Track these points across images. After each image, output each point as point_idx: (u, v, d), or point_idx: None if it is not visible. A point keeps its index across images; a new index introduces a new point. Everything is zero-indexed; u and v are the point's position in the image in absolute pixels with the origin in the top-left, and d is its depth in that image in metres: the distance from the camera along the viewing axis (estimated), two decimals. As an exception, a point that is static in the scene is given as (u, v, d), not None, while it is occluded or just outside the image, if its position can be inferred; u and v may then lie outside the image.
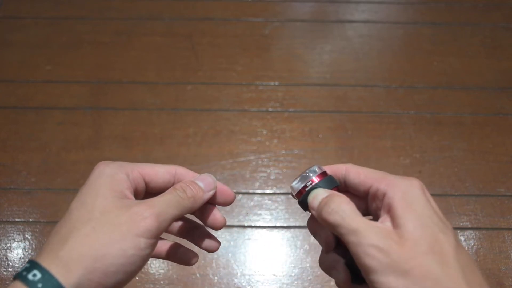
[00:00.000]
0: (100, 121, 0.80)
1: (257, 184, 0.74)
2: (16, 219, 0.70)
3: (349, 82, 0.86)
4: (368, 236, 0.26)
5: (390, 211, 0.28)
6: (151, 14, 0.95)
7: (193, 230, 0.36)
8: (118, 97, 0.83)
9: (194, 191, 0.31)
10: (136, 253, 0.27)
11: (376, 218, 0.31)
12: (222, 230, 0.66)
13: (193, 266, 0.66)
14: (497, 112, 0.83)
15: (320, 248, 0.33)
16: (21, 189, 0.73)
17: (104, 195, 0.29)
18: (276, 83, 0.86)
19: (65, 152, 0.77)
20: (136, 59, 0.88)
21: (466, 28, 0.95)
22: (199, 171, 0.34)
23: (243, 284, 0.66)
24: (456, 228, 0.70)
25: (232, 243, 0.69)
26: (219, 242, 0.35)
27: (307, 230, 0.35)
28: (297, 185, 0.32)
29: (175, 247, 0.35)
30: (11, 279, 0.27)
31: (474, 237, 0.70)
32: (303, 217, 0.71)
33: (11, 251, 0.68)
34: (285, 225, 0.71)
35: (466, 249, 0.68)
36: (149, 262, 0.67)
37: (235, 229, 0.70)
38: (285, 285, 0.66)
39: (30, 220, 0.70)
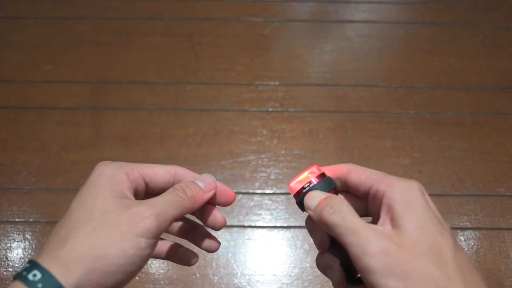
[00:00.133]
0: (100, 121, 0.80)
1: (257, 184, 0.74)
2: (16, 219, 0.70)
3: (349, 82, 0.86)
4: (367, 237, 0.26)
5: (390, 212, 0.28)
6: (151, 14, 0.95)
7: (193, 230, 0.36)
8: (118, 97, 0.83)
9: (194, 191, 0.31)
10: (136, 253, 0.27)
11: (375, 218, 0.31)
12: (222, 230, 0.66)
13: (193, 266, 0.66)
14: (497, 112, 0.83)
15: None
16: (21, 189, 0.73)
17: (104, 195, 0.29)
18: (276, 83, 0.86)
19: (65, 152, 0.77)
20: (136, 59, 0.88)
21: (466, 28, 0.95)
22: (199, 171, 0.34)
23: (243, 284, 0.66)
24: (456, 228, 0.70)
25: (232, 243, 0.69)
26: (219, 242, 0.35)
27: (307, 230, 0.35)
28: (295, 185, 0.32)
29: (175, 247, 0.35)
30: (11, 279, 0.27)
31: (474, 237, 0.70)
32: (303, 217, 0.71)
33: (11, 251, 0.68)
34: (285, 225, 0.71)
35: (466, 249, 0.68)
36: (149, 262, 0.67)
37: (235, 229, 0.70)
38: (285, 285, 0.66)
39: (30, 220, 0.70)
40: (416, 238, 0.26)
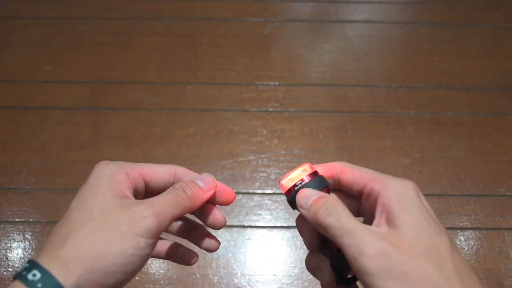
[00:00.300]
0: (100, 121, 0.80)
1: (257, 184, 0.74)
2: (16, 219, 0.70)
3: (349, 82, 0.86)
4: (363, 238, 0.26)
5: (385, 212, 0.27)
6: (151, 14, 0.95)
7: (193, 230, 0.36)
8: (118, 97, 0.83)
9: (193, 190, 0.31)
10: (136, 253, 0.27)
11: (369, 217, 0.31)
12: (222, 230, 0.66)
13: (193, 266, 0.66)
14: (497, 112, 0.83)
15: None
16: (21, 189, 0.73)
17: (104, 194, 0.29)
18: (276, 83, 0.86)
19: (65, 152, 0.77)
20: (136, 59, 0.88)
21: (466, 28, 0.95)
22: (199, 171, 0.34)
23: (243, 284, 0.66)
24: (456, 228, 0.70)
25: (232, 243, 0.69)
26: (219, 242, 0.35)
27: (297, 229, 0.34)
28: (286, 183, 0.32)
29: (175, 247, 0.35)
30: (11, 279, 0.27)
31: (474, 237, 0.70)
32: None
33: (11, 251, 0.68)
34: (285, 225, 0.71)
35: (466, 249, 0.68)
36: (149, 262, 0.67)
37: (235, 229, 0.70)
38: (285, 285, 0.66)
39: (30, 220, 0.70)
40: (413, 239, 0.26)
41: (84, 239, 0.27)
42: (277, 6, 0.97)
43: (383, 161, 0.77)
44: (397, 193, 0.28)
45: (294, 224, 0.70)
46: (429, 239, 0.26)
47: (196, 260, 0.35)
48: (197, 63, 0.88)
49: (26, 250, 0.68)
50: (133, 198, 0.31)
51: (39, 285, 0.25)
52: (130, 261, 0.27)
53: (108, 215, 0.28)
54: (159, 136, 0.79)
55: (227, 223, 0.70)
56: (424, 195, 0.29)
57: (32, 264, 0.26)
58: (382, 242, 0.25)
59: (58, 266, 0.26)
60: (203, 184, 0.32)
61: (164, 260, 0.64)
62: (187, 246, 0.36)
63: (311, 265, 0.32)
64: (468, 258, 0.68)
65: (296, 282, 0.66)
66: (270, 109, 0.83)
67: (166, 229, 0.32)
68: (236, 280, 0.66)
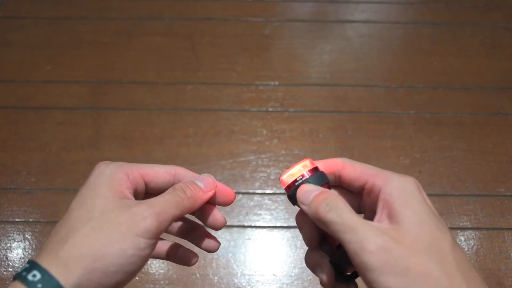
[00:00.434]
0: (100, 121, 0.80)
1: (257, 184, 0.74)
2: (16, 219, 0.70)
3: (349, 82, 0.86)
4: (365, 234, 0.26)
5: (387, 207, 0.27)
6: (151, 14, 0.95)
7: (193, 231, 0.36)
8: (118, 97, 0.83)
9: (193, 191, 0.31)
10: (136, 253, 0.27)
11: (370, 214, 0.31)
12: (222, 230, 0.66)
13: (193, 266, 0.66)
14: (497, 112, 0.83)
15: None
16: (21, 189, 0.73)
17: (104, 195, 0.29)
18: (276, 83, 0.86)
19: (65, 152, 0.77)
20: (136, 59, 0.88)
21: (466, 28, 0.95)
22: (199, 171, 0.34)
23: (243, 284, 0.66)
24: (456, 228, 0.70)
25: (232, 243, 0.69)
26: (219, 242, 0.35)
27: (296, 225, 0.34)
28: (286, 178, 0.32)
29: (175, 247, 0.35)
30: (11, 279, 0.27)
31: (474, 237, 0.70)
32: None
33: (11, 251, 0.68)
34: (285, 225, 0.71)
35: (466, 249, 0.68)
36: (149, 262, 0.67)
37: (235, 229, 0.70)
38: (285, 285, 0.66)
39: (30, 220, 0.70)
40: (415, 234, 0.26)
41: (84, 239, 0.27)
42: (277, 6, 0.97)
43: (383, 161, 0.77)
44: (399, 189, 0.28)
45: (294, 224, 0.70)
46: (431, 235, 0.26)
47: (196, 261, 0.35)
48: (197, 63, 0.88)
49: (26, 250, 0.68)
50: (133, 198, 0.31)
51: (39, 285, 0.25)
52: (130, 261, 0.27)
53: (108, 215, 0.28)
54: (159, 136, 0.79)
55: (227, 223, 0.70)
56: (424, 195, 0.29)
57: (32, 265, 0.26)
58: (384, 238, 0.25)
59: (58, 266, 0.26)
60: (203, 185, 0.32)
61: (164, 260, 0.64)
62: (187, 247, 0.36)
63: (310, 262, 0.32)
64: (468, 258, 0.68)
65: (296, 282, 0.66)
66: (270, 109, 0.83)
67: (166, 230, 0.32)
68: (236, 280, 0.66)
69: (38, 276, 0.25)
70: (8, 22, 0.94)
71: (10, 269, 0.66)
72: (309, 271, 0.33)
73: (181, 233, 0.36)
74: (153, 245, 0.29)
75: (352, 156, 0.77)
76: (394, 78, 0.87)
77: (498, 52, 0.91)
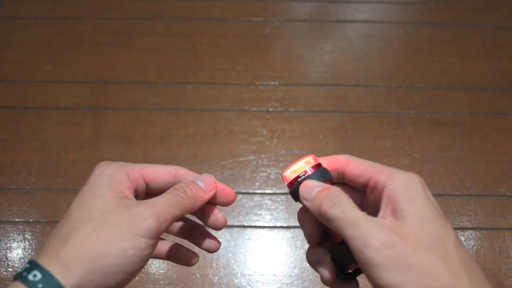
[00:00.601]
0: (100, 121, 0.80)
1: (257, 184, 0.74)
2: (16, 219, 0.70)
3: (349, 82, 0.86)
4: (369, 230, 0.25)
5: (391, 204, 0.27)
6: (151, 14, 0.95)
7: (194, 231, 0.36)
8: (118, 97, 0.83)
9: (194, 191, 0.31)
10: (136, 253, 0.27)
11: (373, 211, 0.31)
12: (222, 230, 0.66)
13: (193, 266, 0.65)
14: (497, 112, 0.83)
15: None
16: (21, 189, 0.73)
17: (105, 195, 0.29)
18: (276, 83, 0.86)
19: (65, 152, 0.77)
20: (136, 59, 0.88)
21: (466, 28, 0.95)
22: (199, 171, 0.34)
23: (243, 284, 0.66)
24: (456, 228, 0.70)
25: (232, 243, 0.69)
26: (219, 243, 0.35)
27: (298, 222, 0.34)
28: (289, 174, 0.31)
29: (176, 248, 0.35)
30: (11, 279, 0.27)
31: (474, 237, 0.70)
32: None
33: (11, 251, 0.68)
34: (285, 225, 0.71)
35: (467, 249, 0.68)
36: (149, 262, 0.66)
37: (235, 229, 0.70)
38: (285, 285, 0.66)
39: (30, 220, 0.70)
40: (419, 231, 0.25)
41: (85, 239, 0.27)
42: (277, 6, 0.97)
43: (383, 161, 0.76)
44: (403, 186, 0.28)
45: (294, 224, 0.70)
46: (435, 232, 0.26)
47: (197, 261, 0.35)
48: (197, 63, 0.88)
49: (26, 250, 0.68)
50: (133, 198, 0.30)
51: (40, 285, 0.25)
52: (131, 261, 0.27)
53: (109, 215, 0.28)
54: (159, 136, 0.79)
55: (227, 223, 0.70)
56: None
57: (32, 265, 0.26)
58: (388, 234, 0.25)
59: (59, 267, 0.26)
60: (204, 185, 0.32)
61: (164, 261, 0.64)
62: (187, 247, 0.36)
63: (312, 259, 0.32)
64: (468, 258, 0.68)
65: (296, 282, 0.66)
66: (270, 109, 0.82)
67: (167, 230, 0.32)
68: (236, 280, 0.66)
69: (39, 276, 0.25)
70: (8, 22, 0.94)
71: (10, 269, 0.66)
72: (309, 271, 0.33)
73: (181, 233, 0.36)
74: (154, 245, 0.29)
75: (352, 156, 0.77)
76: (394, 78, 0.87)
77: (498, 52, 0.91)
